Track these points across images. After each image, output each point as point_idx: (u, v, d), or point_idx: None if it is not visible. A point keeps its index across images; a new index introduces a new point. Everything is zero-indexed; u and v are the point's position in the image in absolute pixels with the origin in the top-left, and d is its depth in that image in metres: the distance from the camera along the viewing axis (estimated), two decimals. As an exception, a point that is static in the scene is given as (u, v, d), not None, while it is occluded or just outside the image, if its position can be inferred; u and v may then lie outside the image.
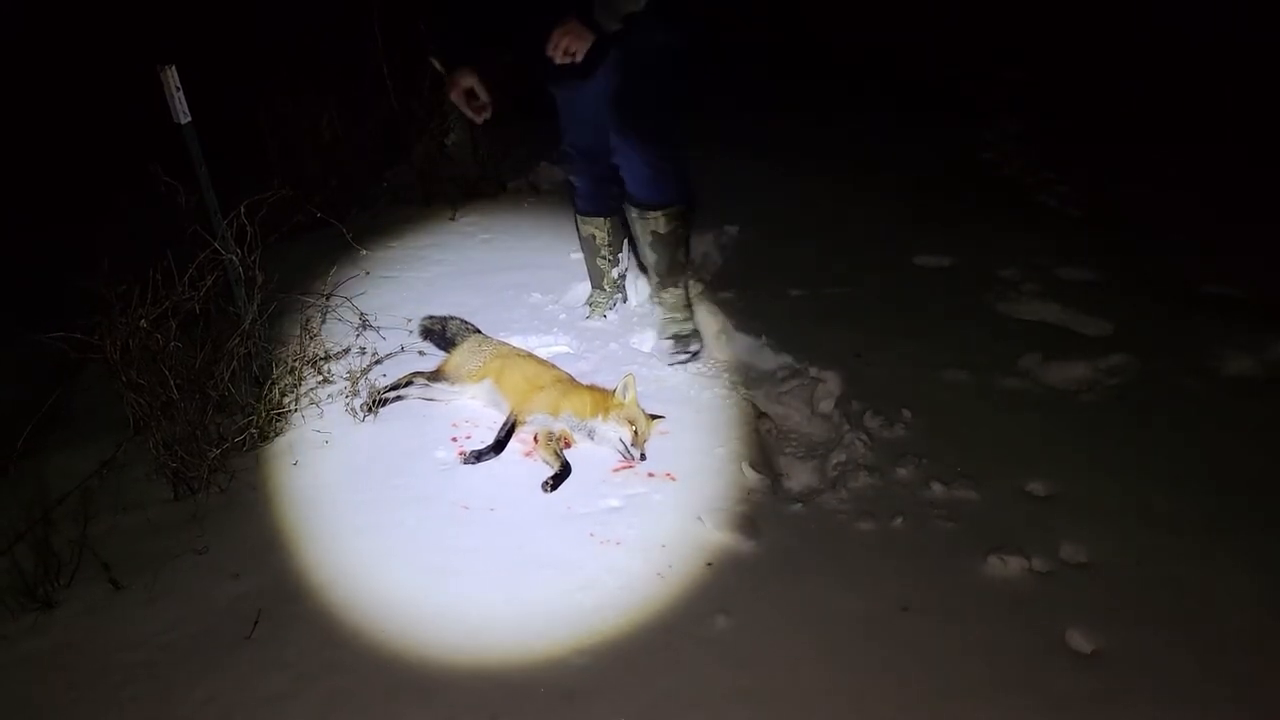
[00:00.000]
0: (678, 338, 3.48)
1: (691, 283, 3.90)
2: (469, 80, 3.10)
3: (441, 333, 3.47)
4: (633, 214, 3.38)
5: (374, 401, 3.09)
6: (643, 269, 3.70)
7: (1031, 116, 6.29)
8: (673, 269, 3.50)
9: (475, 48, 3.13)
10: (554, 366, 3.17)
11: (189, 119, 2.83)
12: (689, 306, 3.61)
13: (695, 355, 3.46)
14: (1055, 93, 6.75)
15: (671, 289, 3.55)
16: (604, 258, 3.70)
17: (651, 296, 3.68)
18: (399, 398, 3.16)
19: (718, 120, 6.10)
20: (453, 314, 3.56)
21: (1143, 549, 2.46)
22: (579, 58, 2.85)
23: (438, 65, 3.15)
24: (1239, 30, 6.66)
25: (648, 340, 3.53)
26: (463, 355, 3.23)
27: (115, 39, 6.04)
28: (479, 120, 3.21)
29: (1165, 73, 6.57)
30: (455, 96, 3.14)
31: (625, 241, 3.72)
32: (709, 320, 3.63)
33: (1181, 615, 2.26)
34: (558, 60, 2.85)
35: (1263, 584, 2.34)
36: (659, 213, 3.32)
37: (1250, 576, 2.37)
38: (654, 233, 3.36)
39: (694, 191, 3.46)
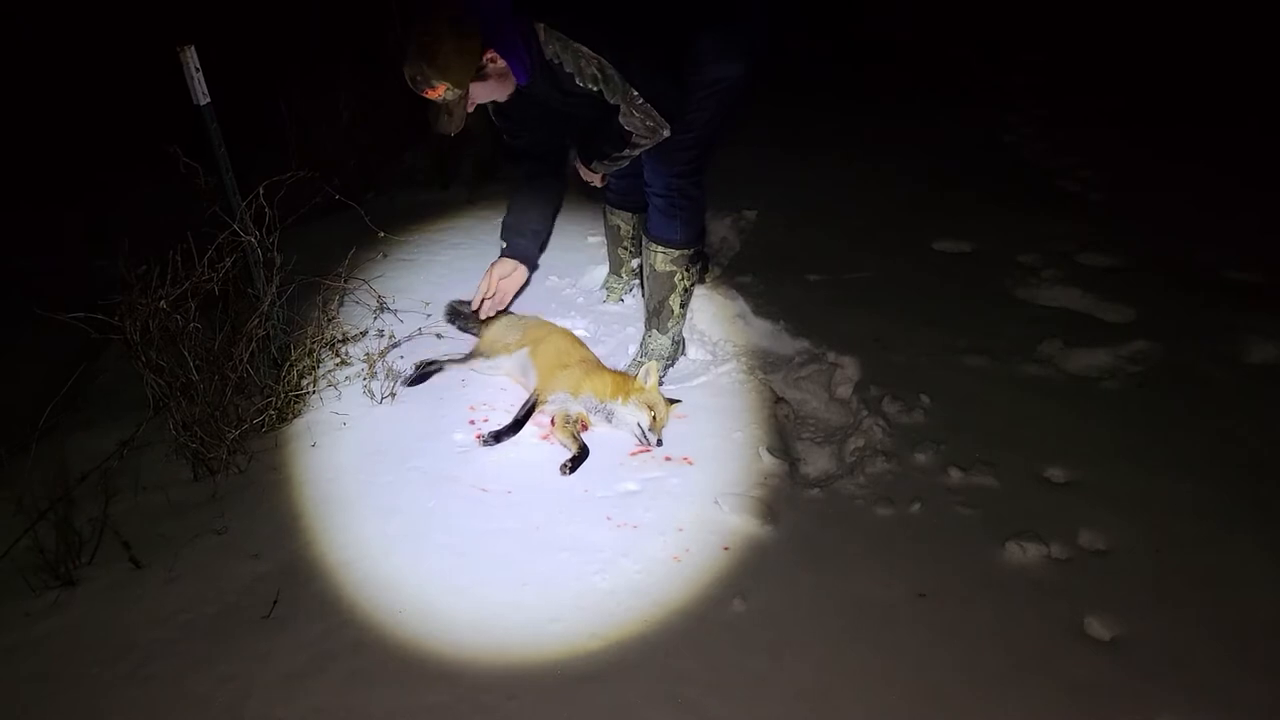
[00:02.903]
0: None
1: (710, 266, 3.89)
2: (509, 269, 3.19)
3: (472, 315, 3.46)
4: (643, 240, 3.27)
5: (415, 377, 3.18)
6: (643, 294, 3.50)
7: (1054, 100, 6.23)
8: (661, 312, 3.29)
9: (534, 250, 3.28)
10: (584, 347, 3.17)
11: (208, 100, 2.83)
12: (670, 359, 3.34)
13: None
14: (1078, 76, 6.67)
15: (658, 334, 3.32)
16: (625, 248, 3.71)
17: (645, 328, 3.40)
18: (438, 369, 3.24)
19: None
20: None
21: (1162, 536, 2.44)
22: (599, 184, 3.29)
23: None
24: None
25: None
26: (499, 330, 3.26)
27: (136, 20, 6.05)
28: (476, 305, 3.23)
29: (1190, 53, 6.49)
30: (492, 280, 3.20)
31: None
32: (727, 304, 3.61)
33: (1201, 602, 2.25)
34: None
35: (1284, 572, 2.32)
36: (659, 248, 3.19)
37: (1271, 564, 2.35)
38: (651, 267, 3.24)
39: (707, 252, 3.37)
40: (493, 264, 3.22)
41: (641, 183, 3.20)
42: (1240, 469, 2.70)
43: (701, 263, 3.51)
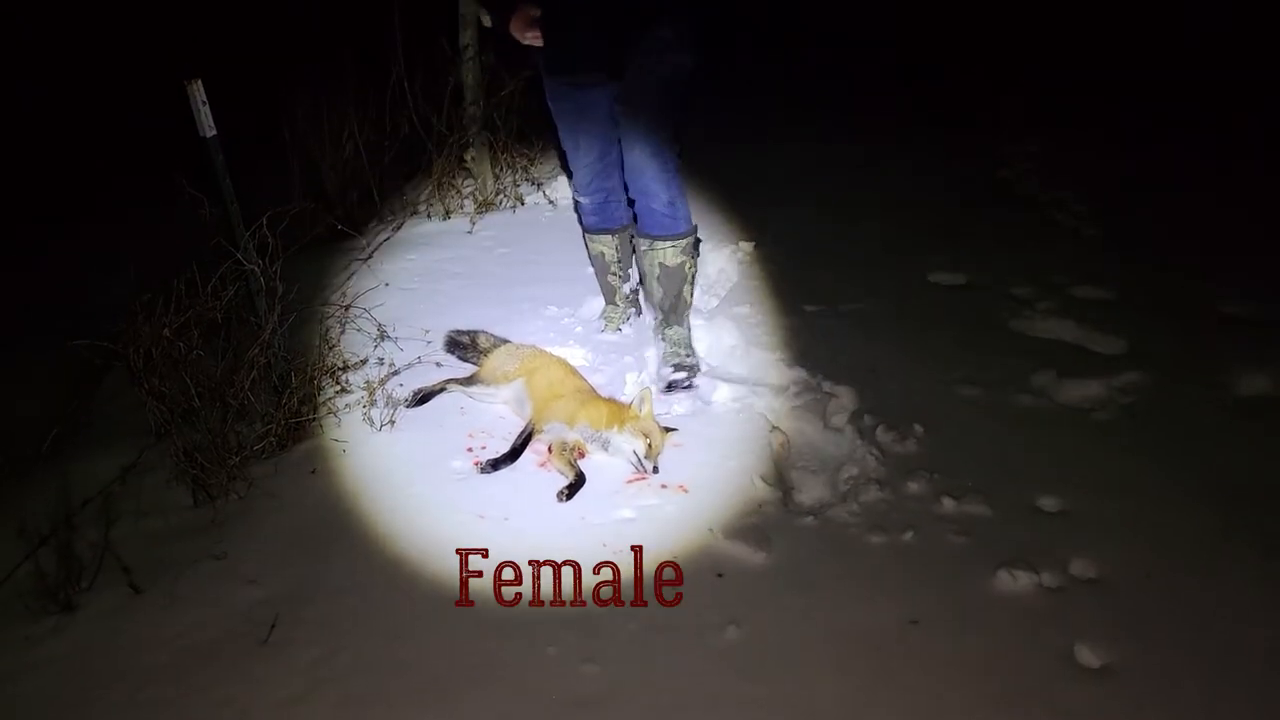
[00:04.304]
0: (679, 366, 3.36)
1: (707, 298, 3.93)
2: (533, 10, 3.12)
3: (471, 345, 3.51)
4: (642, 246, 3.37)
5: (416, 399, 3.23)
6: (650, 305, 3.60)
7: (1052, 130, 6.29)
8: (677, 306, 3.44)
9: None
10: (580, 376, 3.21)
11: (214, 132, 2.88)
12: (691, 345, 3.49)
13: (692, 386, 3.33)
14: (1072, 108, 6.74)
15: (676, 326, 3.46)
16: (614, 274, 3.74)
17: (655, 331, 3.53)
18: (441, 390, 3.29)
19: (731, 135, 6.15)
20: (480, 328, 3.60)
21: (1153, 565, 2.46)
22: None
23: (485, 19, 3.15)
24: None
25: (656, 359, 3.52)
26: (499, 359, 3.30)
27: (144, 52, 6.14)
28: (540, 42, 3.18)
29: (1186, 86, 6.57)
30: (519, 29, 3.15)
31: (635, 257, 3.74)
32: (724, 335, 3.65)
33: (1192, 631, 2.26)
34: None
35: (1274, 601, 2.34)
36: (668, 243, 3.30)
37: (1261, 594, 2.37)
38: (661, 264, 3.33)
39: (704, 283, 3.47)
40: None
41: (613, 199, 3.40)
42: (1230, 499, 2.72)
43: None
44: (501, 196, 5.23)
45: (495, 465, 2.90)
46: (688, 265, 3.36)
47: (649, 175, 3.21)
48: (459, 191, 5.20)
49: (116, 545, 2.57)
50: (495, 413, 3.22)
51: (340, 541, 2.62)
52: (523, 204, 5.27)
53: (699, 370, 3.41)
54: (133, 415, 2.97)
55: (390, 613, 2.36)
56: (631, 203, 3.39)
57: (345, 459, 2.98)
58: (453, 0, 4.94)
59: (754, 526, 2.63)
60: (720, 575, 2.47)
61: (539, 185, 5.37)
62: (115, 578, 2.49)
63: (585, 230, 3.69)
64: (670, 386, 3.32)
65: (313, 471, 2.92)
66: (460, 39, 4.99)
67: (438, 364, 3.49)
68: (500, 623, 2.32)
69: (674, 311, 3.44)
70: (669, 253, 3.30)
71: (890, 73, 7.73)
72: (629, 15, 3.01)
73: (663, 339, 3.46)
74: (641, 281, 3.59)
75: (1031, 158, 5.91)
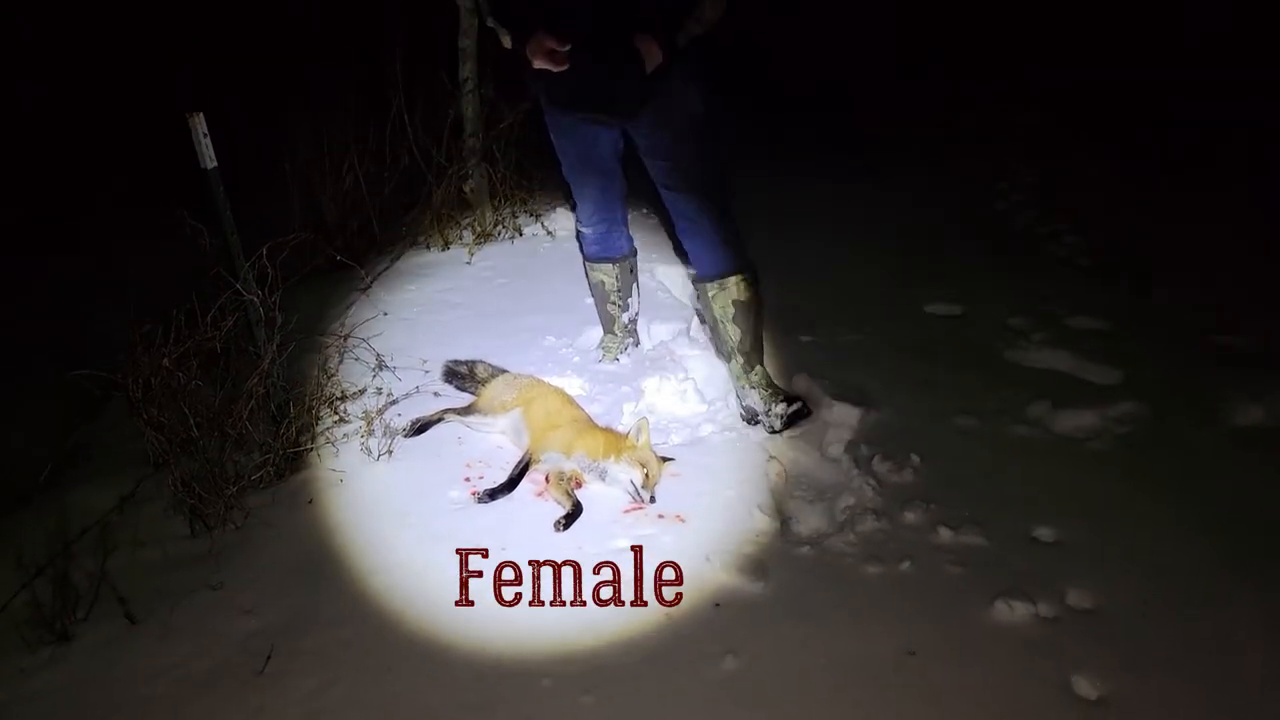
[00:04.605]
0: (789, 398, 3.33)
1: (704, 328, 3.95)
2: (549, 40, 2.93)
3: (469, 375, 3.52)
4: (710, 290, 3.30)
5: (414, 429, 3.23)
6: (726, 353, 3.44)
7: (1046, 164, 6.34)
8: (756, 343, 3.36)
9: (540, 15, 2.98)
10: (577, 406, 3.22)
11: (215, 164, 2.91)
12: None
13: (811, 412, 3.32)
14: (1067, 140, 6.80)
15: (758, 366, 3.37)
16: (614, 303, 3.75)
17: (737, 379, 3.40)
18: (439, 420, 3.29)
19: (728, 168, 6.18)
20: (478, 358, 3.62)
21: (1149, 596, 2.46)
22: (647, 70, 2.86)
23: (505, 40, 3.02)
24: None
25: (658, 384, 3.51)
26: (496, 388, 3.31)
27: (146, 85, 6.20)
28: (563, 68, 2.95)
29: (1179, 118, 6.62)
30: (540, 57, 2.95)
31: (635, 286, 3.77)
32: (721, 364, 3.66)
33: (1188, 662, 2.26)
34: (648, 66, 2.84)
35: (1271, 632, 2.34)
36: (737, 277, 3.25)
37: (1259, 624, 2.37)
38: (736, 301, 3.26)
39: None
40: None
41: (616, 229, 3.44)
42: (1227, 529, 2.72)
43: None
44: (500, 227, 5.26)
45: (493, 495, 2.90)
46: (759, 296, 3.31)
47: (707, 225, 3.21)
48: (458, 222, 5.23)
49: (113, 575, 2.57)
50: (493, 442, 3.23)
51: (337, 572, 2.62)
52: (521, 235, 5.30)
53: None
54: (131, 445, 2.98)
55: (387, 645, 2.36)
56: (626, 232, 3.40)
57: (343, 489, 2.98)
58: (453, 34, 5.01)
59: (751, 556, 2.63)
60: (718, 605, 2.47)
61: (537, 216, 5.40)
62: (112, 608, 2.49)
63: (586, 259, 3.71)
64: (793, 420, 3.28)
65: (310, 501, 2.93)
66: (460, 72, 5.05)
67: (435, 393, 3.50)
68: (497, 654, 2.32)
69: (755, 350, 3.37)
70: (741, 287, 3.26)
71: (889, 107, 7.81)
72: (630, 57, 2.98)
73: (750, 385, 3.36)
74: (714, 330, 3.48)
75: (1026, 190, 5.96)
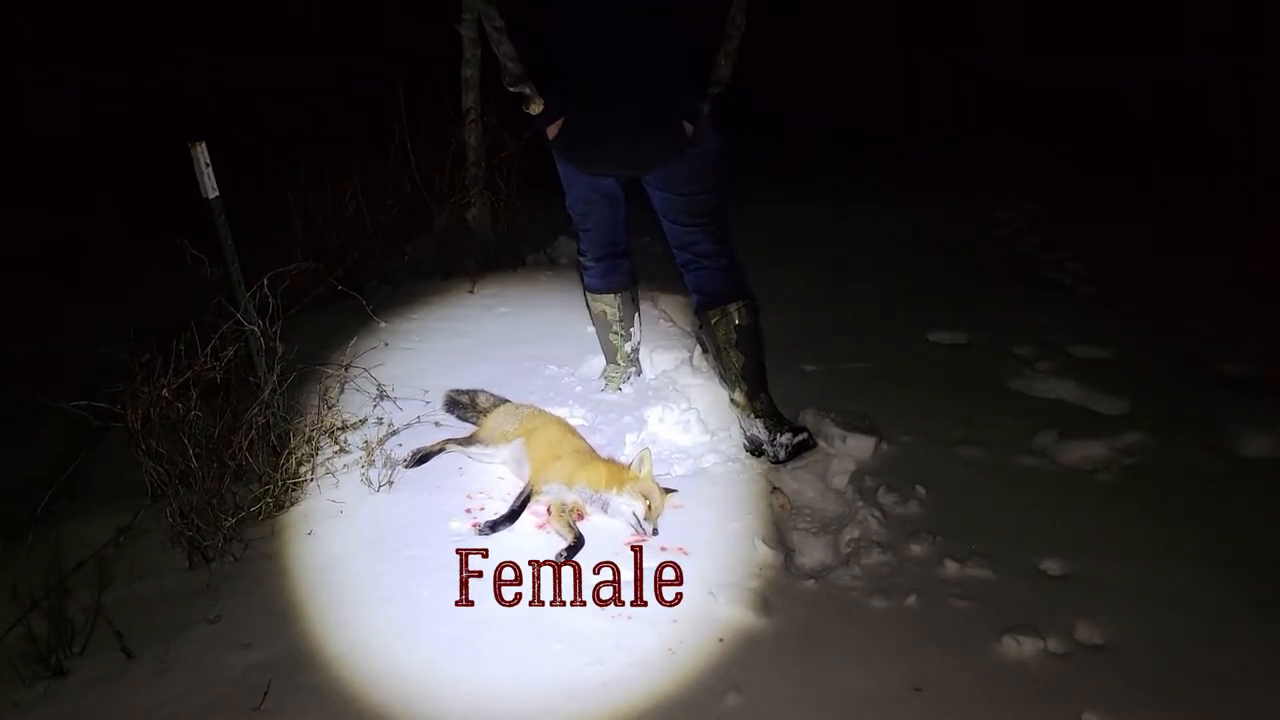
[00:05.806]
0: (795, 429, 3.31)
1: (707, 357, 3.93)
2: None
3: (470, 404, 3.50)
4: (713, 317, 3.33)
5: (415, 460, 3.21)
6: (730, 381, 3.43)
7: (1046, 195, 6.36)
8: (759, 371, 3.36)
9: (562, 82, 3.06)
10: (579, 436, 3.20)
11: (217, 194, 2.91)
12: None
13: (817, 444, 3.31)
14: (1070, 170, 6.82)
15: (762, 395, 3.36)
16: (616, 333, 3.74)
17: (742, 410, 3.38)
18: (440, 450, 3.27)
19: (732, 197, 6.19)
20: (479, 387, 3.60)
21: (1159, 630, 2.43)
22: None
23: (531, 103, 3.06)
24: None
25: (660, 414, 3.49)
26: (498, 419, 3.29)
27: (149, 116, 6.23)
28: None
29: (1183, 147, 6.64)
30: (554, 132, 3.10)
31: (636, 315, 3.76)
32: (724, 394, 3.64)
33: (1199, 698, 2.22)
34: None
35: (1283, 667, 2.31)
36: (738, 303, 3.28)
37: (1269, 658, 2.34)
38: (738, 326, 3.29)
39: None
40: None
41: (619, 262, 3.49)
42: (1236, 562, 2.70)
43: None
44: (502, 256, 5.27)
45: (494, 527, 2.87)
46: (759, 322, 3.34)
47: (711, 256, 3.29)
48: (460, 250, 5.23)
49: (109, 609, 2.53)
50: (494, 473, 3.20)
51: (336, 605, 2.59)
52: (524, 263, 5.31)
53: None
54: (130, 476, 2.95)
55: (386, 679, 2.32)
56: (628, 265, 3.46)
57: (342, 520, 2.95)
58: (456, 63, 5.03)
59: (755, 590, 2.60)
60: (721, 640, 2.44)
61: (540, 245, 5.41)
62: (107, 642, 2.45)
63: (588, 290, 3.70)
64: (798, 450, 3.26)
65: (309, 533, 2.90)
66: (463, 101, 5.06)
67: (437, 423, 3.48)
68: (499, 692, 2.29)
69: (758, 378, 3.36)
70: (743, 313, 3.29)
71: (891, 138, 7.84)
72: (646, 116, 3.01)
73: (755, 414, 3.34)
74: (717, 358, 3.48)
75: (1028, 218, 5.97)
